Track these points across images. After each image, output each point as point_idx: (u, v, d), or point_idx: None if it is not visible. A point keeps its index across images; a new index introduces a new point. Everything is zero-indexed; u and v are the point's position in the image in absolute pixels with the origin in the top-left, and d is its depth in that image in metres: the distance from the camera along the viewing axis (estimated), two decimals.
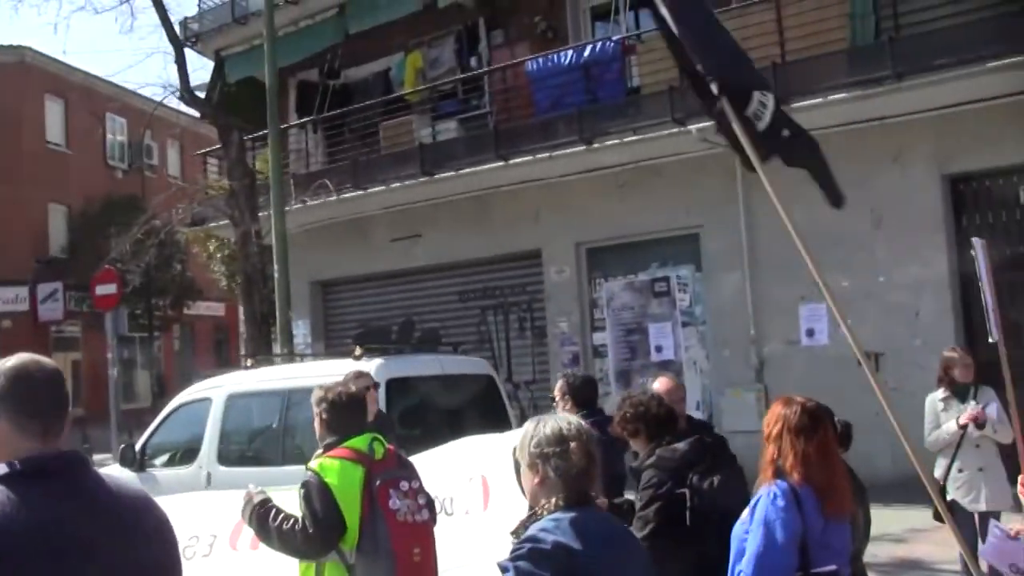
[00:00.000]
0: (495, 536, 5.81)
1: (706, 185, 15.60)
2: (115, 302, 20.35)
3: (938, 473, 8.58)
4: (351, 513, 5.03)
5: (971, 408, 8.35)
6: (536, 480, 3.61)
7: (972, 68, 12.56)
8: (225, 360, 44.02)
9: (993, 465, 8.43)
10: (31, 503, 2.52)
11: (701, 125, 14.56)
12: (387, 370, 9.45)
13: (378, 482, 5.08)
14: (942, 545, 9.05)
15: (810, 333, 14.84)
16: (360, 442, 5.22)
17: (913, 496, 9.65)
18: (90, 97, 35.50)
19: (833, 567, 4.84)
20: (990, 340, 5.39)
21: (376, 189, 17.75)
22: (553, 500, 3.55)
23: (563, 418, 3.77)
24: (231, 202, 17.15)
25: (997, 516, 8.42)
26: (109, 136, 38.99)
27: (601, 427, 6.51)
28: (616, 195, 16.38)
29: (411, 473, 5.35)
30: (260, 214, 16.93)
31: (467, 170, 16.68)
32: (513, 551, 3.43)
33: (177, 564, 2.92)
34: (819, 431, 4.92)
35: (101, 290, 20.38)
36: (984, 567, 8.43)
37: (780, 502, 4.78)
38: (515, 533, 3.60)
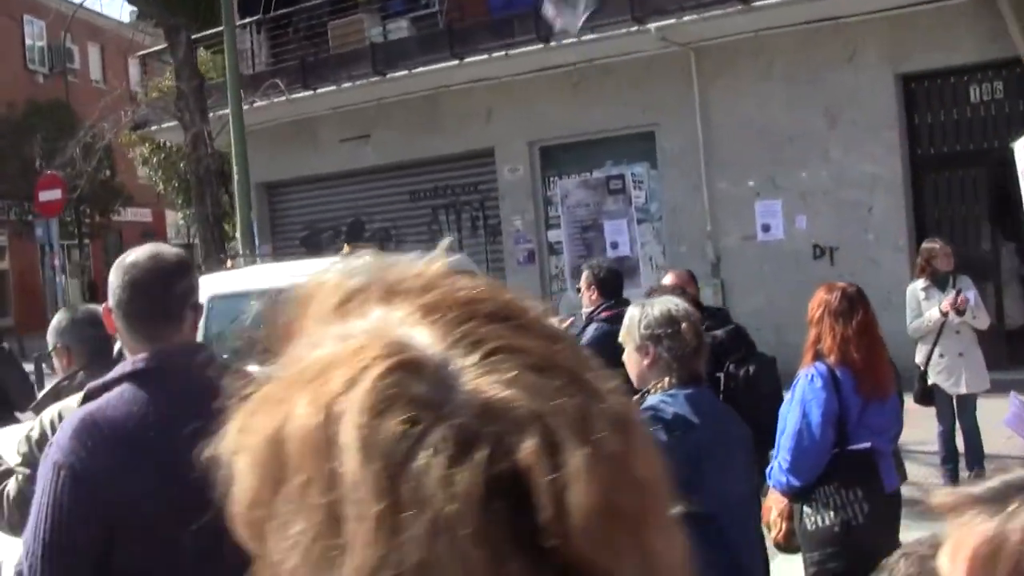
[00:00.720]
0: None
1: (662, 84, 15.71)
2: (60, 208, 19.76)
3: (919, 359, 8.93)
4: None
5: (951, 296, 8.66)
6: (647, 362, 3.74)
7: None
8: None
9: (972, 350, 8.81)
10: (151, 401, 2.57)
11: (660, 24, 14.66)
12: None
13: None
14: (917, 428, 9.39)
15: (766, 228, 15.11)
16: None
17: None
18: None
19: (867, 444, 5.09)
20: None
21: (326, 89, 17.56)
22: (666, 380, 3.69)
23: (668, 300, 3.90)
24: (180, 104, 16.88)
25: (975, 398, 8.84)
26: (28, 40, 37.81)
27: None
28: (570, 94, 16.41)
29: None
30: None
31: (420, 69, 16.57)
32: None
33: None
34: (857, 314, 5.13)
35: (45, 196, 19.52)
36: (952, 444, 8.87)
37: (817, 383, 5.03)
38: None
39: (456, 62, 16.19)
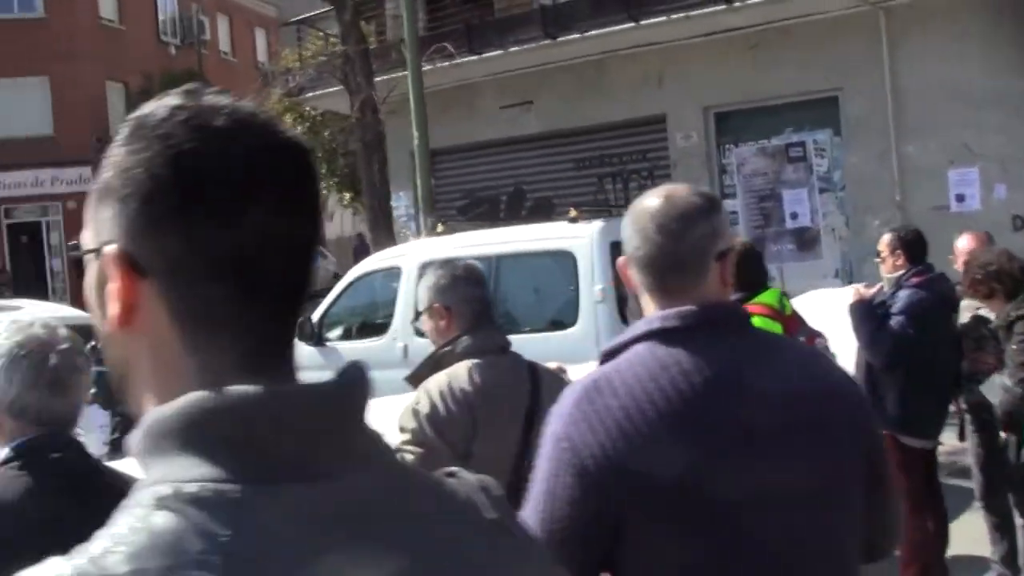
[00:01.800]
0: None
1: (846, 46, 15.05)
2: None
3: None
4: None
5: None
6: None
7: None
8: None
9: None
10: (682, 362, 2.16)
11: None
12: (608, 233, 9.07)
13: (802, 340, 4.72)
14: None
15: (960, 198, 14.42)
16: (770, 297, 4.83)
17: None
18: None
19: None
20: None
21: (492, 54, 17.19)
22: None
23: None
24: (347, 68, 16.68)
25: None
26: (160, 12, 38.25)
27: (937, 283, 6.26)
28: (747, 57, 15.83)
29: (815, 331, 4.99)
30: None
31: (593, 32, 16.10)
32: None
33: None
34: None
35: None
36: None
37: None
38: None
39: (631, 24, 15.69)
